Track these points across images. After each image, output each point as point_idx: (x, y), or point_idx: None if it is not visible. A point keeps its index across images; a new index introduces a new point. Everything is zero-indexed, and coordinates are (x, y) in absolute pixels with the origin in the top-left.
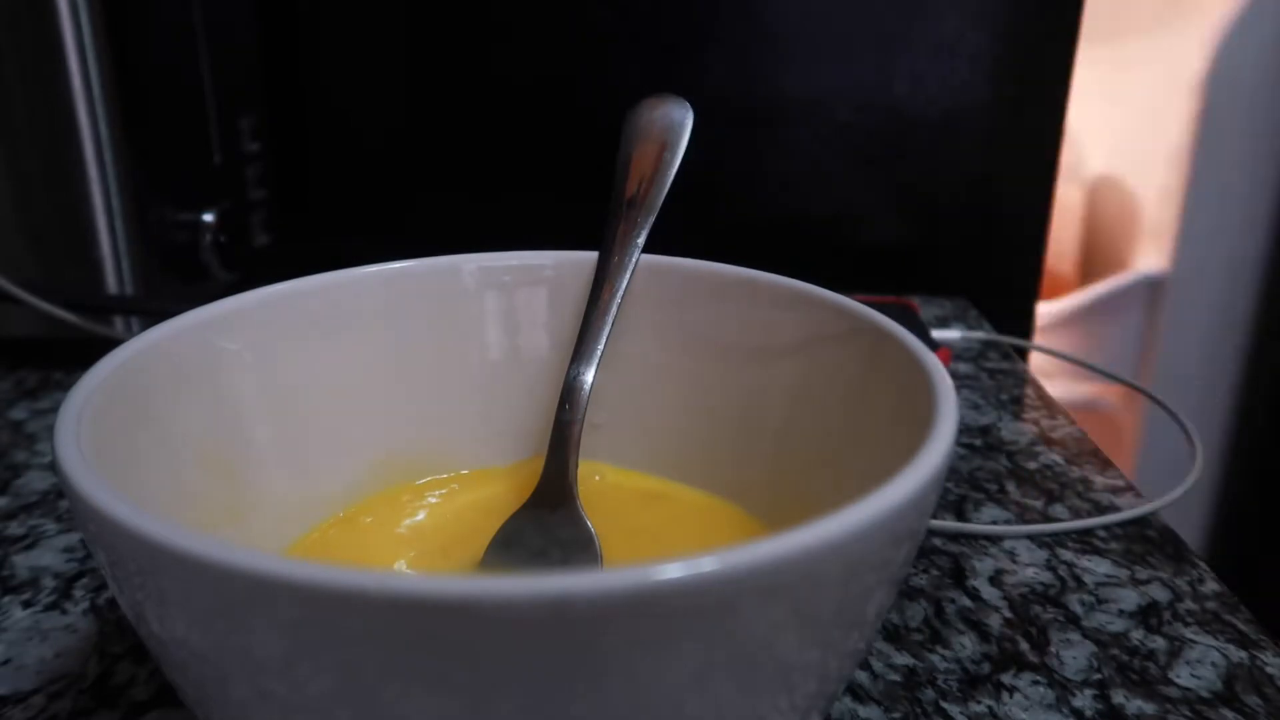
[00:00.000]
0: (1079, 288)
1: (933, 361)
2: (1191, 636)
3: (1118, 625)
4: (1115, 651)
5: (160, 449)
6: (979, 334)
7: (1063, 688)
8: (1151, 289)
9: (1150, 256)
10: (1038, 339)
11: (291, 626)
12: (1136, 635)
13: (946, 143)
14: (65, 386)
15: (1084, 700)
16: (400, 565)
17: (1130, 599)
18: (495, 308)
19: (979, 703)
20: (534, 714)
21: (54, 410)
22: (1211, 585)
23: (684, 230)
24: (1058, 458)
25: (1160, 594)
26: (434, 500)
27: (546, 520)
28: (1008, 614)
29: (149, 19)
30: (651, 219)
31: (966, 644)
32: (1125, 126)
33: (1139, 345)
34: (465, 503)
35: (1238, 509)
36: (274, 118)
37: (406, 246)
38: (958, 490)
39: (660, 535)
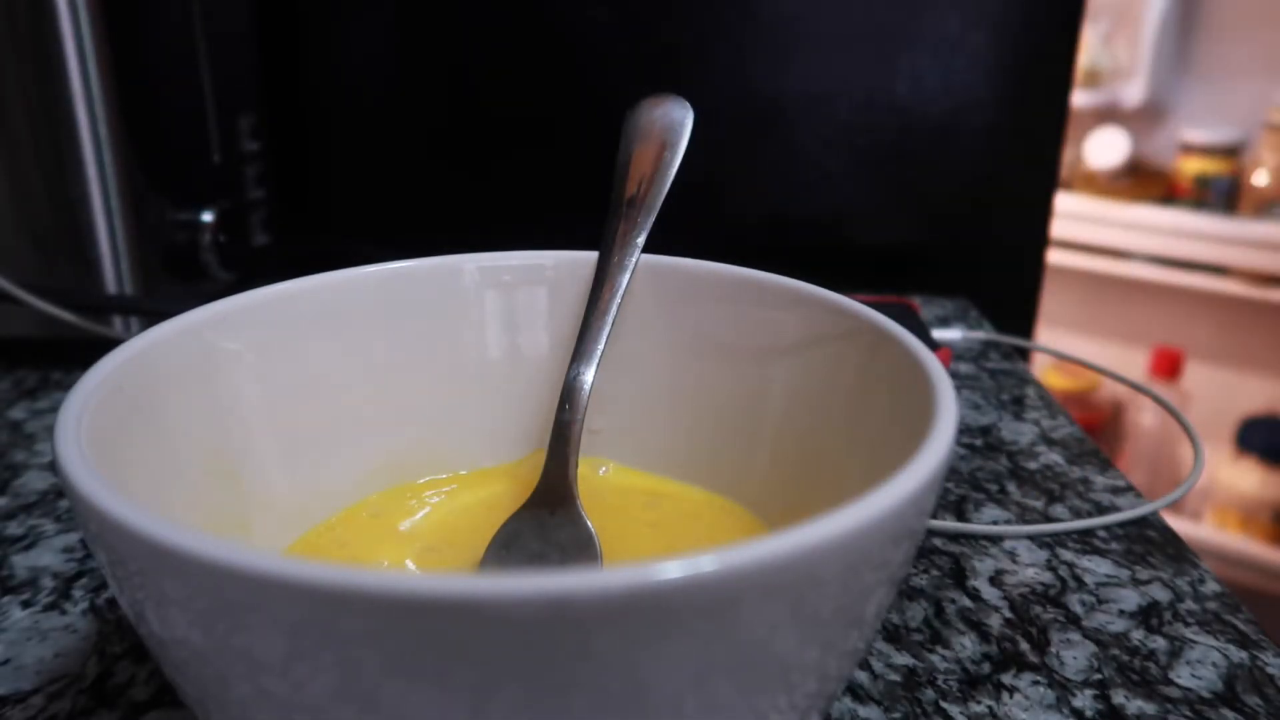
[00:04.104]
0: None
1: (933, 361)
2: (1192, 637)
3: (1118, 625)
4: (1116, 652)
5: (160, 449)
6: (979, 334)
7: (1063, 688)
8: None
9: None
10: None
11: (291, 626)
12: (1137, 635)
13: (947, 142)
14: (64, 386)
15: (1084, 700)
16: (400, 565)
17: (1131, 599)
18: (495, 308)
19: (979, 703)
20: (534, 714)
21: (53, 410)
22: (1212, 585)
23: (684, 230)
24: (1058, 458)
25: (1161, 594)
26: (434, 500)
27: (546, 520)
28: (1008, 614)
29: (148, 19)
30: (651, 219)
31: (966, 644)
32: None
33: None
34: (465, 503)
35: None
36: (273, 117)
37: (407, 246)
38: (958, 490)
39: (660, 534)
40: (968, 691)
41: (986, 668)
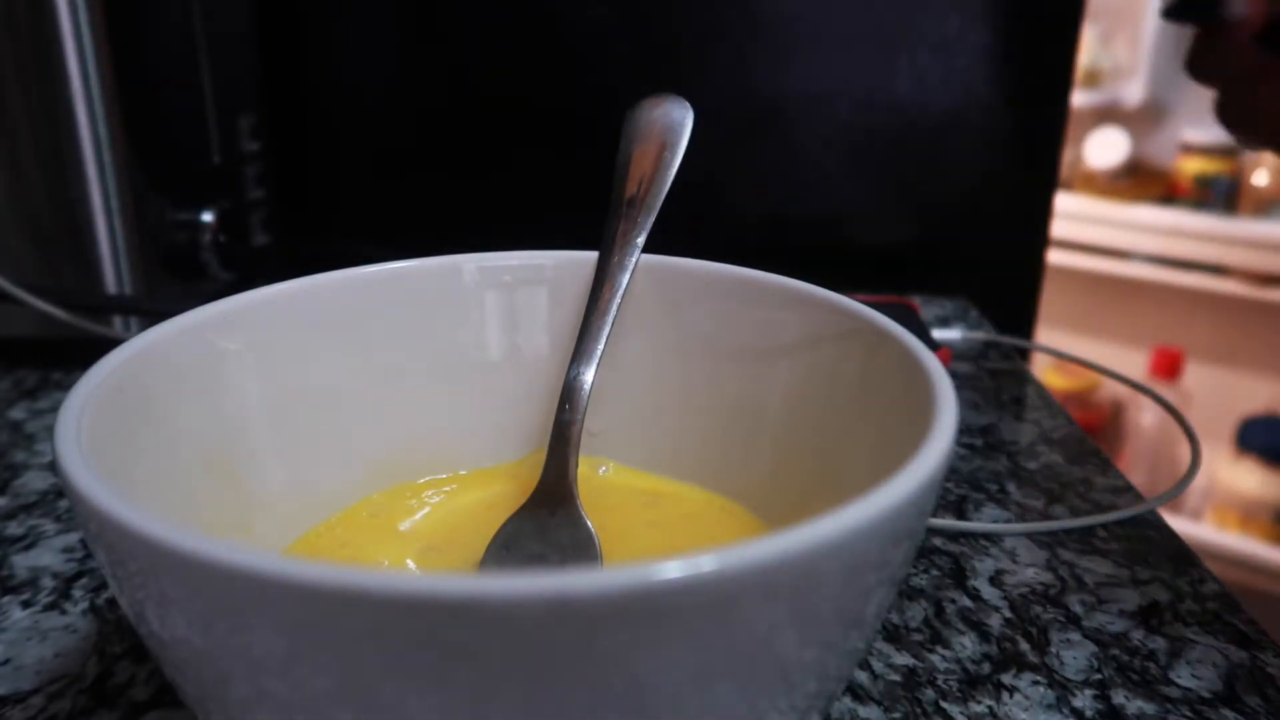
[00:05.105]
0: None
1: (933, 361)
2: (1192, 637)
3: (1118, 625)
4: (1116, 651)
5: (160, 449)
6: (979, 334)
7: (1063, 688)
8: None
9: None
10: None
11: (291, 626)
12: (1137, 635)
13: (947, 142)
14: (64, 386)
15: (1084, 700)
16: (401, 565)
17: (1131, 599)
18: (495, 308)
19: (979, 703)
20: (534, 713)
21: (53, 410)
22: (1212, 585)
23: (684, 230)
24: (1058, 458)
25: (1161, 594)
26: (434, 500)
27: (546, 521)
28: (1008, 614)
29: (148, 19)
30: (651, 219)
31: (966, 644)
32: None
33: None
34: (465, 503)
35: None
36: (273, 117)
37: (407, 246)
38: (958, 490)
39: (660, 534)
40: (968, 691)
41: (986, 668)
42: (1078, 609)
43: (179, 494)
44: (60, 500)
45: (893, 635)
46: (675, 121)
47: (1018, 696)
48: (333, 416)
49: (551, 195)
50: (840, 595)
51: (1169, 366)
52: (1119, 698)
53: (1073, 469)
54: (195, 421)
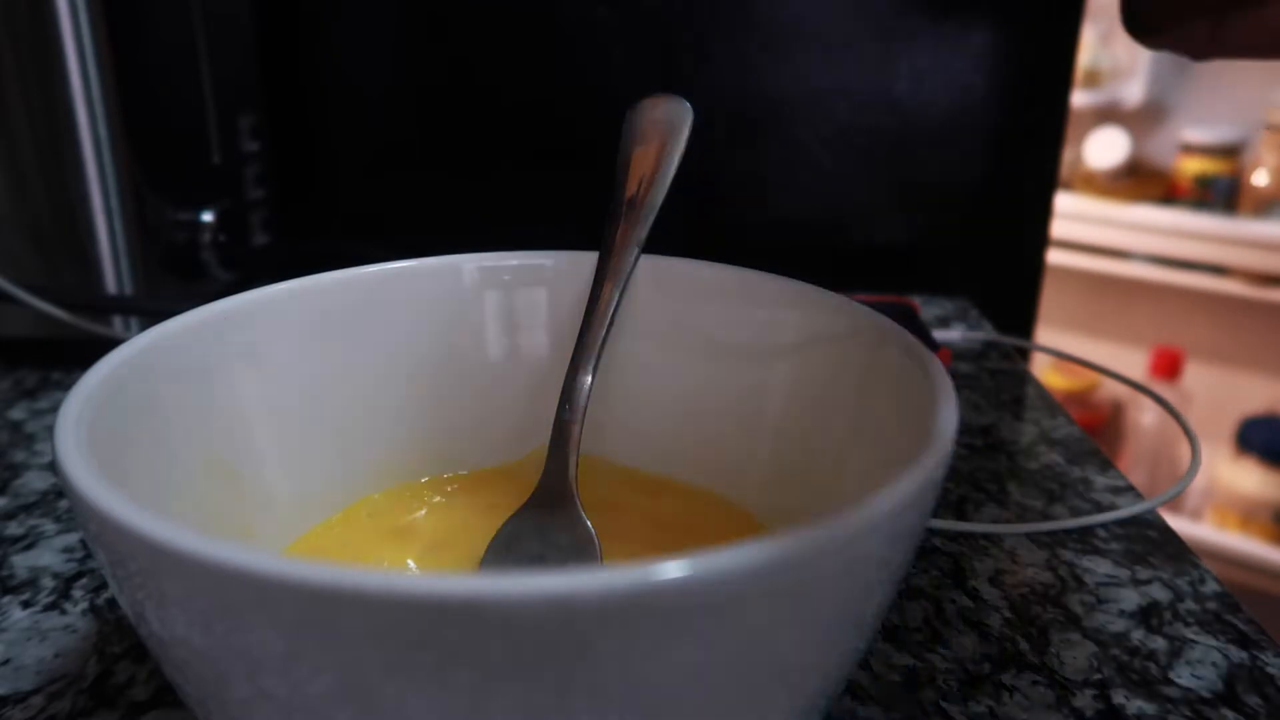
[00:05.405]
0: None
1: (933, 361)
2: (1192, 637)
3: (1118, 625)
4: (1116, 652)
5: (160, 449)
6: (979, 334)
7: (1063, 688)
8: None
9: None
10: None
11: (291, 626)
12: (1137, 635)
13: (947, 142)
14: (64, 386)
15: (1084, 700)
16: (401, 565)
17: (1131, 599)
18: (495, 308)
19: (979, 703)
20: (534, 714)
21: (53, 410)
22: (1212, 585)
23: (684, 230)
24: (1058, 458)
25: (1161, 594)
26: (434, 500)
27: (546, 521)
28: (1008, 614)
29: (148, 18)
30: (651, 219)
31: (966, 644)
32: None
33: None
34: (465, 503)
35: None
36: (274, 117)
37: (407, 246)
38: (958, 490)
39: (660, 534)
40: (968, 691)
41: (986, 668)
42: (1078, 609)
43: (179, 494)
44: (60, 500)
45: (893, 635)
46: (675, 121)
47: (1018, 696)
48: (333, 416)
49: (552, 195)
50: (840, 595)
51: (1169, 366)
52: (1119, 698)
53: (1073, 469)
54: (195, 421)
